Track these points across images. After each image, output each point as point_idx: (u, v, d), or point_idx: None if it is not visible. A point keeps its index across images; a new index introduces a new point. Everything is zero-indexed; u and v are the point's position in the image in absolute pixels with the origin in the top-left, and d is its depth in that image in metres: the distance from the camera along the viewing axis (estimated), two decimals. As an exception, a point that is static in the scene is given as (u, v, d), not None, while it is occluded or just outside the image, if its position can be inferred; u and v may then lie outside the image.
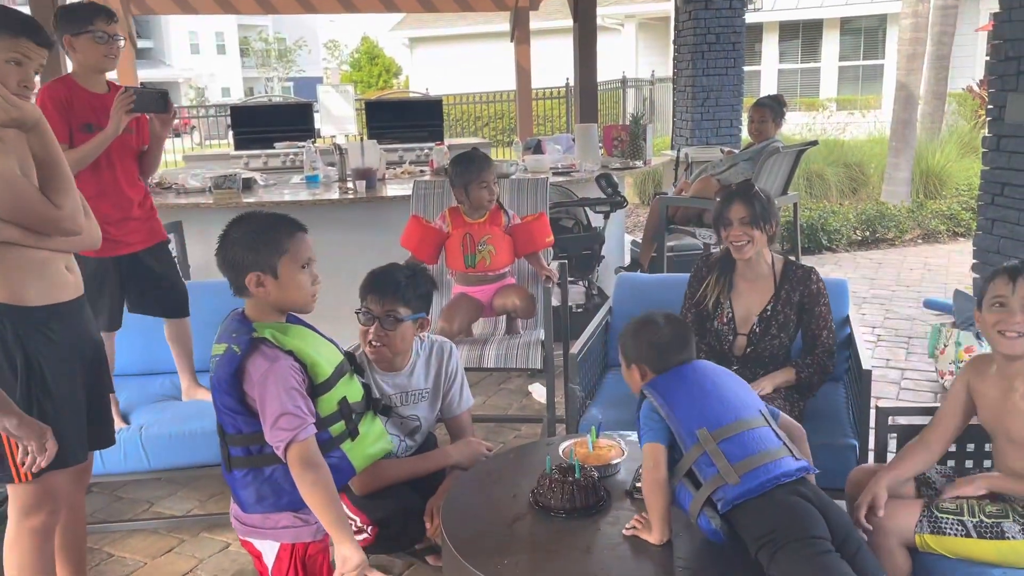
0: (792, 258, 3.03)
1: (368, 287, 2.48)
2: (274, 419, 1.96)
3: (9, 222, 2.04)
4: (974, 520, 2.04)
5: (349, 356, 2.24)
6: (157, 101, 3.01)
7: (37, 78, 2.17)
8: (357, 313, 2.48)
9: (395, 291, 2.44)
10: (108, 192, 3.05)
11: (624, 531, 1.96)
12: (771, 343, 2.88)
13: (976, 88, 12.29)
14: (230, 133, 8.92)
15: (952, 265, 7.03)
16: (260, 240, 2.01)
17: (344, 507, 2.42)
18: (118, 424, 2.96)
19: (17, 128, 2.04)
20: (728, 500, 1.83)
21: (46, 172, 2.10)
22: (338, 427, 2.11)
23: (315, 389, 2.05)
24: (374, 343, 2.45)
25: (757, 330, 2.89)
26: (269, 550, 2.13)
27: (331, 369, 2.09)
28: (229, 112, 8.47)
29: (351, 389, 2.17)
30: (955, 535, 2.03)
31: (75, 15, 2.93)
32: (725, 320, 2.92)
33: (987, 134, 4.67)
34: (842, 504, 2.26)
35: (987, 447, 2.31)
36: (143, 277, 3.20)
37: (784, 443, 1.95)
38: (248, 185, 4.97)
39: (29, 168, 2.08)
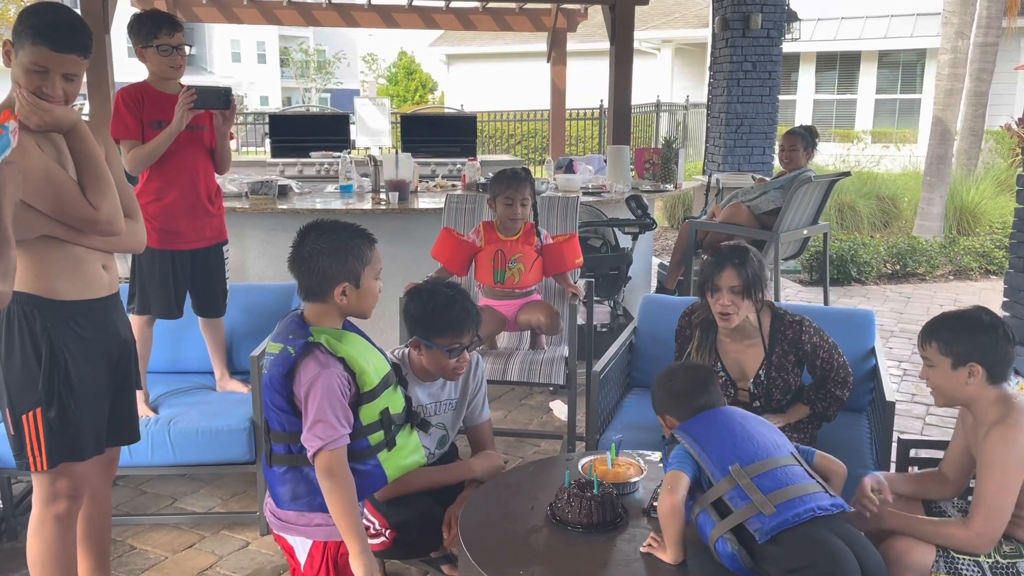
0: (778, 307, 2.84)
1: (467, 321, 2.50)
2: (311, 423, 2.01)
3: (52, 219, 2.10)
4: (990, 561, 2.04)
5: (396, 367, 2.27)
6: (219, 98, 3.19)
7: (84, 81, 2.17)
8: (450, 349, 2.47)
9: (479, 319, 2.54)
10: (175, 184, 3.21)
11: (640, 549, 1.98)
12: (779, 402, 2.81)
13: (1014, 126, 12.17)
14: (267, 141, 9.08)
15: (982, 303, 6.91)
16: (347, 251, 2.06)
17: (364, 510, 2.46)
18: (148, 413, 3.03)
19: (55, 131, 2.11)
20: (767, 530, 1.85)
21: (83, 174, 2.15)
22: (377, 436, 2.13)
23: (360, 397, 2.08)
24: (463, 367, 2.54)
25: (756, 392, 2.80)
26: (302, 546, 2.16)
27: (378, 380, 2.12)
28: (267, 120, 8.60)
29: (394, 400, 2.19)
30: (971, 575, 2.02)
31: (141, 28, 3.11)
32: (722, 378, 2.81)
33: (1023, 172, 4.64)
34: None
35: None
36: (194, 274, 3.34)
37: (817, 481, 1.98)
38: (284, 192, 5.06)
39: (70, 170, 2.14)
